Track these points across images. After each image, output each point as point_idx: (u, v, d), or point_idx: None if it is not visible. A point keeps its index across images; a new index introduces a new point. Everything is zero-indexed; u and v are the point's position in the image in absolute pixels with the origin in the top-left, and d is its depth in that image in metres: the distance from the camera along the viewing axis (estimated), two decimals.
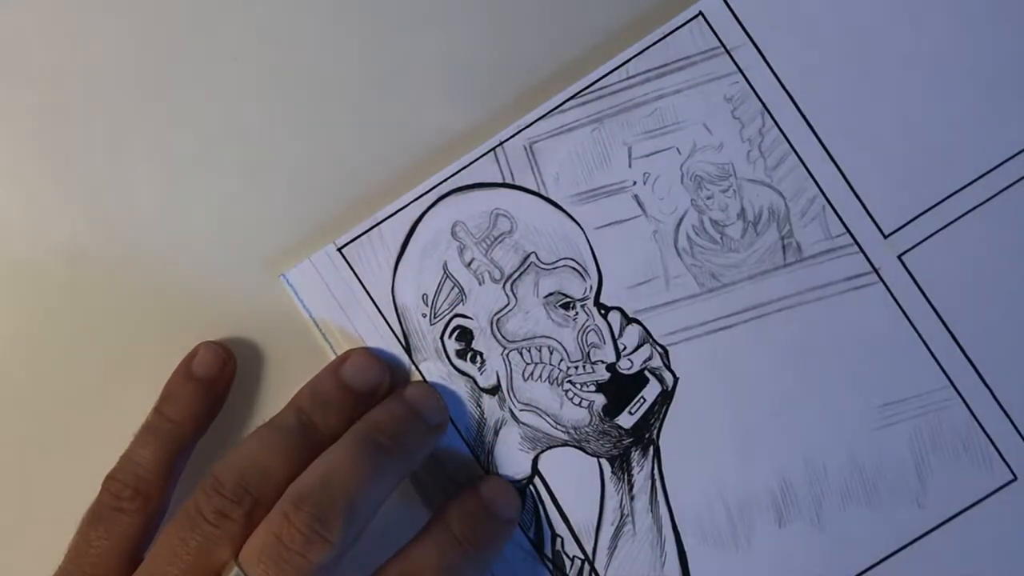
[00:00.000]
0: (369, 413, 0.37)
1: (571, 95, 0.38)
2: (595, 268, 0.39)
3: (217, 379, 0.39)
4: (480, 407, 0.39)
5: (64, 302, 0.40)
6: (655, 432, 0.39)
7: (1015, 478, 0.38)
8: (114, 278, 0.40)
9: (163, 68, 0.40)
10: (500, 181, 0.39)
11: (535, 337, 0.39)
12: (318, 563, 0.33)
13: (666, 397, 0.39)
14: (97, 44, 0.40)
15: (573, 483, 0.39)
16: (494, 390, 0.39)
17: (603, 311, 0.39)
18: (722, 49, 0.38)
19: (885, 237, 0.38)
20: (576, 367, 0.39)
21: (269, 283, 0.40)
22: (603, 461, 0.39)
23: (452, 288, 0.39)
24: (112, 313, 0.40)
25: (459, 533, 0.36)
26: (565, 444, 0.39)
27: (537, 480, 0.39)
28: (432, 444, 0.38)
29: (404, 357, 0.39)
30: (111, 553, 0.36)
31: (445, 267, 0.39)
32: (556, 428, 0.39)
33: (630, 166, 0.38)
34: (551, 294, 0.39)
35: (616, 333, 0.39)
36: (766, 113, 0.38)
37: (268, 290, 0.40)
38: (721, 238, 0.38)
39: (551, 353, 0.39)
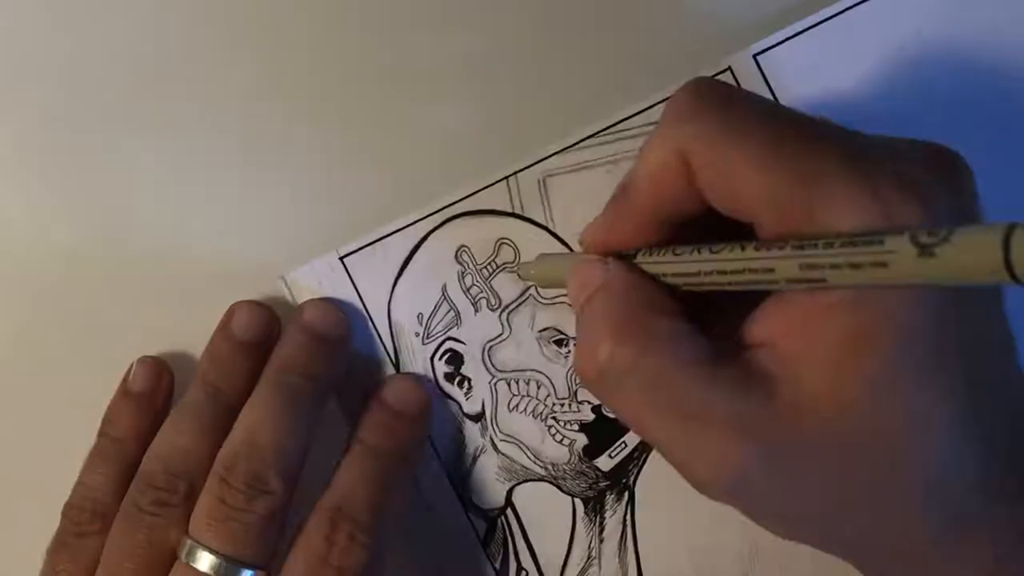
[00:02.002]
0: (274, 352, 0.37)
1: (590, 133, 0.38)
2: None
3: (154, 392, 0.39)
4: (462, 432, 0.39)
5: (64, 302, 0.40)
6: (632, 478, 0.39)
7: None
8: (114, 278, 0.40)
9: (165, 68, 0.39)
10: (509, 211, 0.39)
11: (525, 370, 0.39)
12: (265, 514, 0.34)
13: (647, 446, 0.39)
14: (97, 44, 0.39)
15: (545, 519, 0.39)
16: (478, 417, 0.39)
17: None
18: None
19: None
20: (562, 404, 0.39)
21: (269, 285, 0.39)
22: (577, 501, 0.39)
23: (448, 311, 0.39)
24: (112, 313, 0.40)
25: (374, 444, 0.37)
26: (541, 479, 0.39)
27: (509, 511, 0.39)
28: (342, 359, 0.38)
29: (392, 372, 0.39)
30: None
31: (444, 289, 0.39)
32: (535, 462, 0.39)
33: None
34: (546, 329, 0.39)
35: None
36: None
37: (268, 292, 0.39)
38: None
39: (539, 388, 0.39)
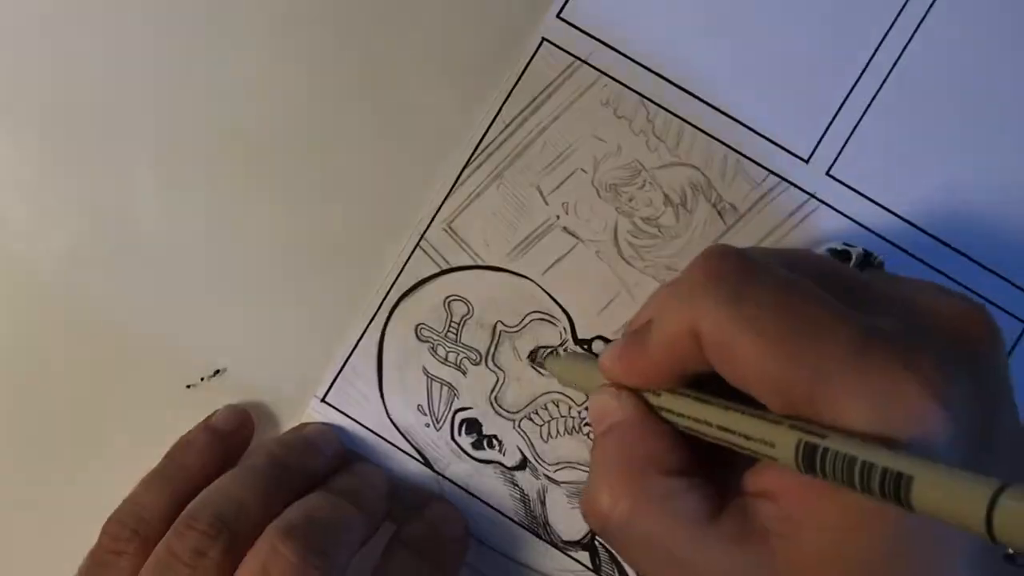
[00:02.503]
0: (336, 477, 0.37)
1: (464, 164, 0.39)
2: (560, 310, 0.39)
3: (234, 434, 0.38)
4: (518, 486, 0.39)
5: (64, 302, 0.40)
6: None
7: None
8: (114, 278, 0.40)
9: (165, 67, 0.40)
10: (438, 270, 0.39)
11: (536, 398, 0.39)
12: None
13: None
14: (98, 44, 0.40)
15: None
16: (522, 464, 0.39)
17: (586, 345, 0.39)
18: (578, 62, 0.38)
19: (807, 162, 0.38)
20: (585, 408, 0.39)
21: (270, 282, 0.40)
22: None
23: (441, 388, 0.39)
24: (111, 313, 0.40)
25: (417, 551, 0.37)
26: None
27: None
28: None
29: (427, 472, 0.39)
30: None
31: (426, 371, 0.39)
32: None
33: (547, 203, 0.39)
34: (532, 351, 0.39)
35: None
36: (645, 100, 0.38)
37: (266, 289, 0.40)
38: (659, 231, 0.38)
39: (557, 406, 0.39)
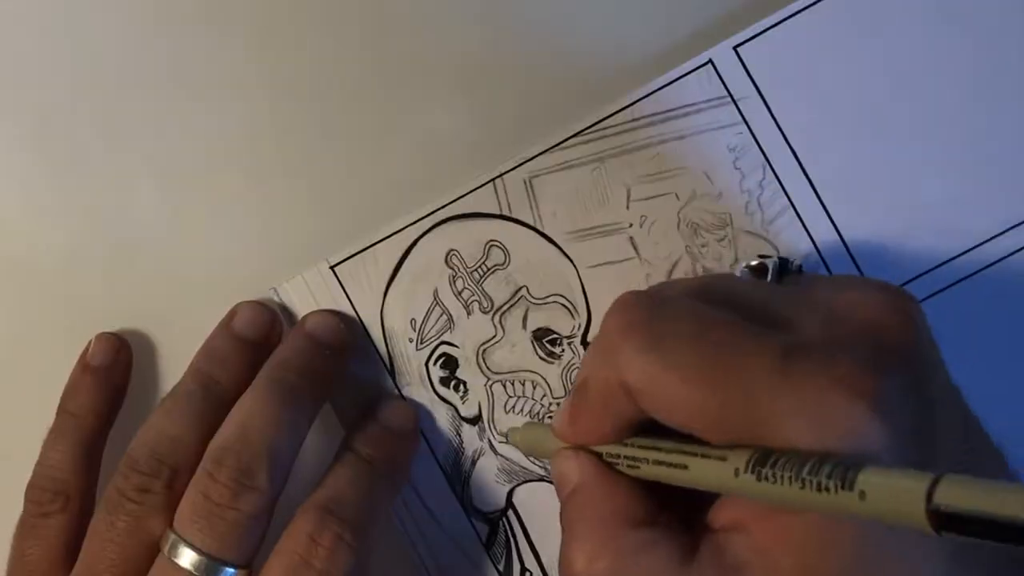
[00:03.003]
0: (273, 353, 0.37)
1: (575, 132, 0.38)
2: (585, 307, 0.39)
3: (112, 367, 0.39)
4: (460, 436, 0.39)
5: (64, 302, 0.40)
6: None
7: None
8: (114, 278, 0.40)
9: (164, 68, 0.39)
10: (497, 212, 0.39)
11: (519, 371, 0.39)
12: (250, 511, 0.34)
13: None
14: (98, 44, 0.39)
15: (547, 518, 0.39)
16: (475, 420, 0.39)
17: None
18: (729, 99, 0.38)
19: None
20: (558, 403, 0.39)
21: (267, 283, 0.39)
22: None
23: (441, 315, 0.39)
24: (111, 313, 0.40)
25: (366, 455, 0.37)
26: (541, 479, 0.39)
27: (511, 513, 0.39)
28: (340, 367, 0.38)
29: (388, 379, 0.39)
30: (45, 558, 0.36)
31: (436, 294, 0.39)
32: (534, 462, 0.39)
33: (628, 208, 0.38)
34: (539, 329, 0.39)
35: None
36: (767, 166, 0.38)
37: (266, 290, 0.39)
38: None
39: (534, 388, 0.39)
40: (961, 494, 0.22)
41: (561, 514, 0.32)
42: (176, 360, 0.39)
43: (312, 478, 0.37)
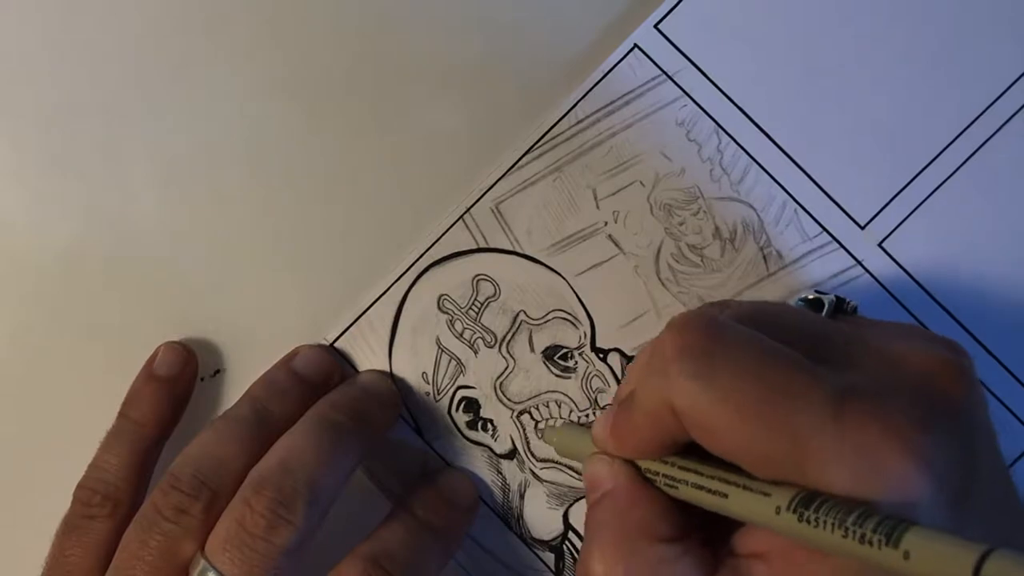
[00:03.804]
0: (325, 397, 0.37)
1: (526, 150, 0.38)
2: (585, 314, 0.39)
3: (179, 378, 0.39)
4: (501, 474, 0.39)
5: (64, 301, 0.40)
6: None
7: None
8: (114, 278, 0.40)
9: (164, 68, 0.40)
10: (475, 247, 0.39)
11: (540, 394, 0.39)
12: (283, 546, 0.33)
13: None
14: (98, 44, 0.40)
15: None
16: (511, 454, 0.39)
17: (601, 355, 0.39)
18: (664, 76, 0.38)
19: (862, 228, 0.37)
20: (586, 415, 0.39)
21: (268, 282, 0.40)
22: None
23: (450, 361, 0.39)
24: (112, 313, 0.40)
25: (423, 517, 0.37)
26: None
27: (571, 534, 0.39)
28: (389, 421, 0.38)
29: (416, 439, 0.39)
30: (85, 561, 0.36)
31: (438, 342, 0.39)
32: (579, 479, 0.39)
33: (598, 207, 0.38)
34: (547, 348, 0.39)
35: (619, 375, 0.39)
36: (720, 130, 0.38)
37: (266, 290, 0.40)
38: (702, 260, 0.38)
39: (559, 407, 0.39)
40: (1012, 571, 0.22)
41: (587, 516, 0.32)
42: None
43: (347, 535, 0.36)
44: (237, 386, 0.40)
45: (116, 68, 0.40)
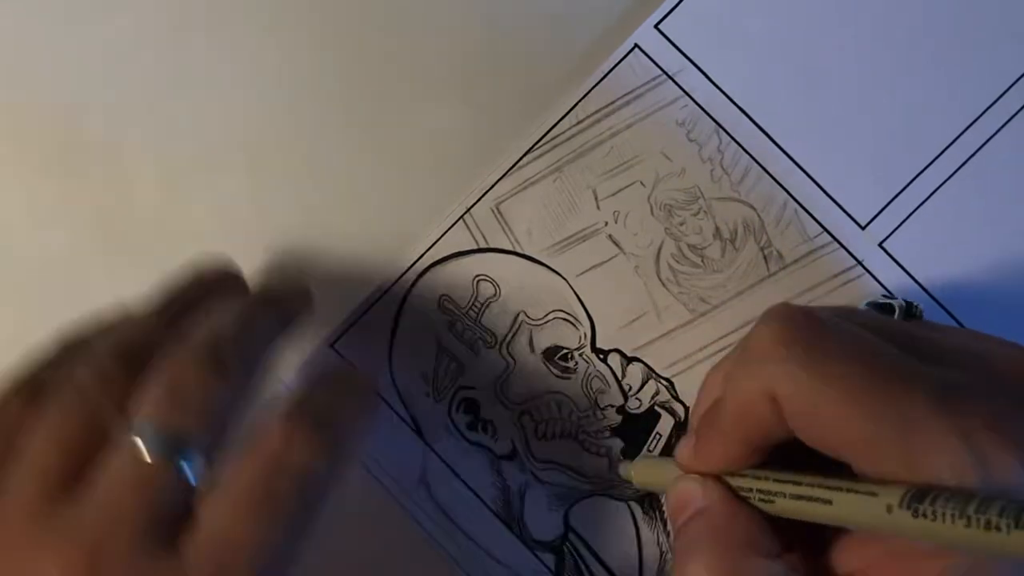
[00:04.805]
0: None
1: (526, 150, 0.38)
2: (585, 315, 0.39)
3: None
4: (501, 475, 0.39)
5: (64, 302, 0.39)
6: None
7: None
8: (114, 278, 0.40)
9: (165, 68, 0.40)
10: (475, 247, 0.39)
11: (541, 395, 0.39)
12: (221, 398, 0.31)
13: (681, 427, 0.38)
14: (98, 43, 0.40)
15: (607, 531, 0.39)
16: (511, 455, 0.39)
17: (601, 356, 0.39)
18: (664, 76, 0.38)
19: (863, 228, 0.37)
20: (587, 416, 0.39)
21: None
22: (633, 504, 0.39)
23: (450, 362, 0.39)
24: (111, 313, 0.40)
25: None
26: (592, 494, 0.39)
27: (571, 535, 0.39)
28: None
29: (416, 440, 0.39)
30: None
31: (438, 342, 0.39)
32: (580, 480, 0.39)
33: (598, 208, 0.38)
34: (547, 349, 0.39)
35: (619, 375, 0.38)
36: (720, 130, 0.38)
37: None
38: (702, 261, 0.38)
39: (559, 407, 0.39)
40: None
41: (677, 537, 0.31)
42: None
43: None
44: None
45: (116, 67, 0.40)
